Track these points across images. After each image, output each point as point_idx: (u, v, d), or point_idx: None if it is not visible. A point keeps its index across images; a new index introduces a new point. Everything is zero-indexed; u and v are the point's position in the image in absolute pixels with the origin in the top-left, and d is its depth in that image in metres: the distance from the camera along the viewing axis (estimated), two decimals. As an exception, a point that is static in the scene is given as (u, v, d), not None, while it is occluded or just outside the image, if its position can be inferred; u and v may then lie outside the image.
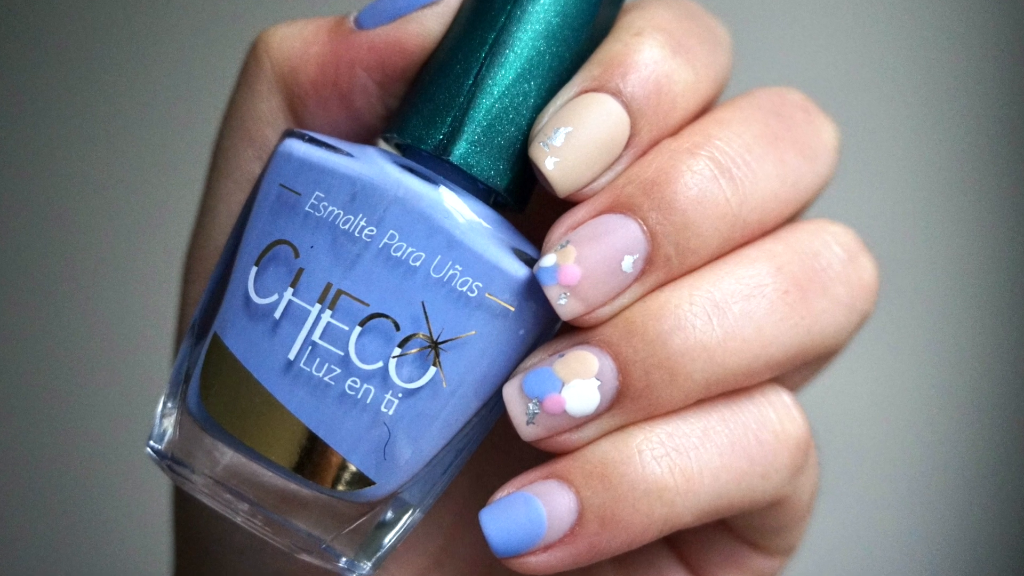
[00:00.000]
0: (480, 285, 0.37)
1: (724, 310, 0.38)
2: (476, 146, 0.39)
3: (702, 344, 0.38)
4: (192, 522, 0.45)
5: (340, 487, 0.38)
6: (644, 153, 0.39)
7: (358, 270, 0.38)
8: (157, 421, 0.40)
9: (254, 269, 0.38)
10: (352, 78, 0.40)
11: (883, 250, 0.45)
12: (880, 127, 0.92)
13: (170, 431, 0.39)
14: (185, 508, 0.45)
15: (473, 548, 0.45)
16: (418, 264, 0.37)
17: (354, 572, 0.39)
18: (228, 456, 0.39)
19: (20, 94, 0.96)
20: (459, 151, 0.39)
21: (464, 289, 0.37)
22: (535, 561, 0.38)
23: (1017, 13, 0.91)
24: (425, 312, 0.37)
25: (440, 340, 0.37)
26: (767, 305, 0.39)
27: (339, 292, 0.38)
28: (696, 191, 0.38)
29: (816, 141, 0.41)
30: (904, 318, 0.93)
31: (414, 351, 0.37)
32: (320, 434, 0.38)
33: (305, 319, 0.38)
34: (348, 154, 0.38)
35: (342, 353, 0.37)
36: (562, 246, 0.38)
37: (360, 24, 0.40)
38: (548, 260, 0.37)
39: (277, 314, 0.38)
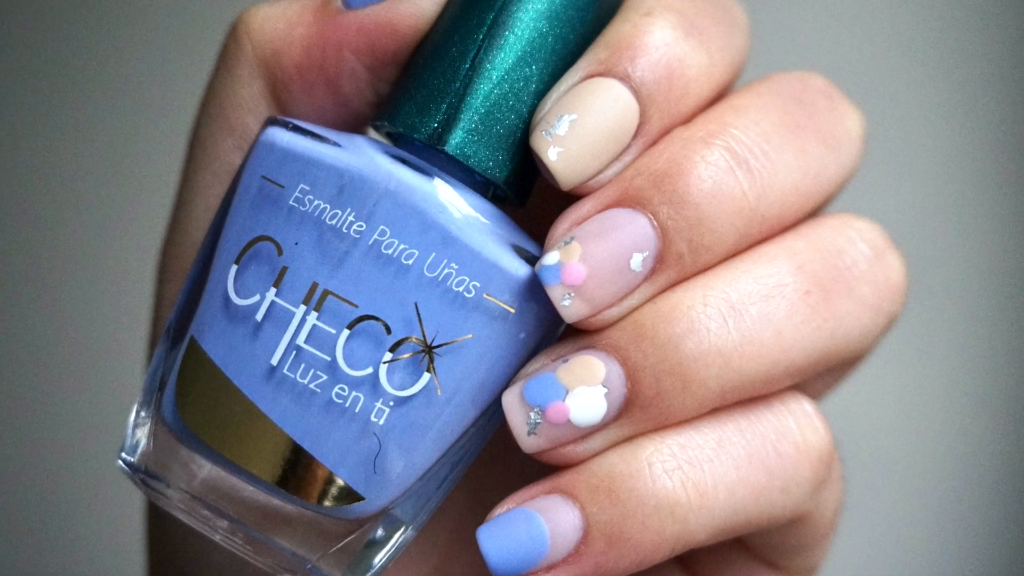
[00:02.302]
0: (478, 285, 0.37)
1: (741, 312, 0.38)
2: (473, 135, 0.39)
3: (717, 349, 0.38)
4: (167, 540, 0.45)
5: (327, 503, 0.38)
6: (654, 143, 0.39)
7: (346, 269, 0.38)
8: (130, 431, 0.40)
9: (234, 268, 0.38)
10: (340, 62, 0.40)
11: (912, 248, 0.45)
12: (909, 115, 0.92)
13: (144, 442, 0.39)
14: (160, 525, 0.45)
15: (470, 568, 0.45)
16: (411, 262, 0.37)
17: (342, 594, 0.39)
18: (206, 469, 0.39)
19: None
20: (455, 140, 0.39)
21: (460, 289, 0.37)
22: (537, 582, 0.38)
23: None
24: (418, 314, 0.37)
25: (434, 344, 0.37)
26: (787, 306, 0.39)
27: (325, 292, 0.37)
28: (710, 183, 0.38)
29: (840, 130, 0.41)
30: (934, 320, 0.93)
31: (406, 356, 0.37)
32: (305, 445, 0.38)
33: (289, 321, 0.38)
34: (335, 144, 0.38)
35: (329, 358, 0.37)
36: (566, 243, 0.38)
37: (348, 4, 0.40)
38: (551, 258, 0.37)
39: (259, 316, 0.38)
